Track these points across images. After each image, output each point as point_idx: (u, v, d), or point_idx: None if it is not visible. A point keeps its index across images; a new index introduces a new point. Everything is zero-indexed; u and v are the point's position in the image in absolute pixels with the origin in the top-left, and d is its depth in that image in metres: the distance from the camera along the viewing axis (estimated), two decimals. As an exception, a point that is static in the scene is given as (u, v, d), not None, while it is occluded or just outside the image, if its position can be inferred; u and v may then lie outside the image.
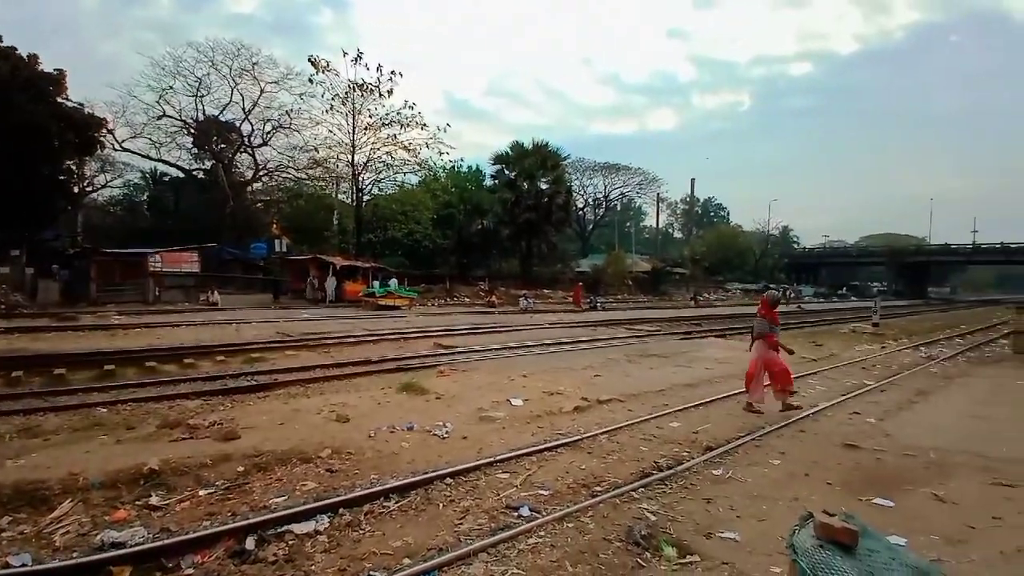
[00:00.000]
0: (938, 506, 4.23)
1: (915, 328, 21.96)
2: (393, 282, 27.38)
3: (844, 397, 8.11)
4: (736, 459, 5.22)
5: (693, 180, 60.87)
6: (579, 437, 5.67)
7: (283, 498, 4.16)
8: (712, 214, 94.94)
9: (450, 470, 4.60)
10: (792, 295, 46.64)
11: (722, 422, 6.54)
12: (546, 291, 38.97)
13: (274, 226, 31.25)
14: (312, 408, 6.72)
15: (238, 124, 36.23)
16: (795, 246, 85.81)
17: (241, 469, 4.71)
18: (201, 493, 4.25)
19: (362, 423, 6.10)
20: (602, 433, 5.88)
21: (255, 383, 8.20)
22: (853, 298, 57.18)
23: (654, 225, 72.74)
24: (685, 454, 5.30)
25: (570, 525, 3.71)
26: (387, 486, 4.29)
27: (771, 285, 53.20)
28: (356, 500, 4.03)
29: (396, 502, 4.07)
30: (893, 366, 11.50)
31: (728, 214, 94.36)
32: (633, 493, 4.26)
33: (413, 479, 4.43)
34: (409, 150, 33.87)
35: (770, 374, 7.25)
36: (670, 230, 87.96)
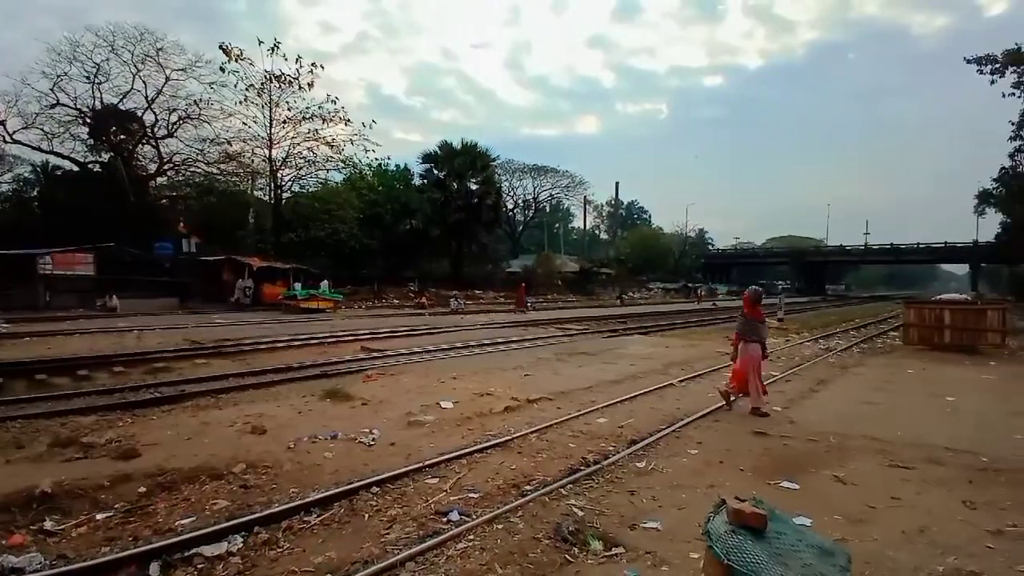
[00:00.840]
0: (840, 487, 4.56)
1: (815, 322, 24.01)
2: (324, 284, 26.37)
3: (754, 388, 8.67)
4: (658, 451, 5.43)
5: (617, 183, 63.30)
6: (509, 437, 5.67)
7: (191, 519, 3.84)
8: (636, 216, 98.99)
9: (376, 478, 4.44)
10: (703, 292, 49.70)
11: (645, 416, 6.79)
12: (477, 292, 38.97)
13: (181, 224, 28.93)
14: (225, 420, 6.28)
15: (140, 113, 33.33)
16: (710, 247, 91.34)
17: (143, 490, 4.30)
18: (99, 517, 3.85)
19: (281, 434, 5.77)
20: (532, 432, 5.92)
21: (158, 395, 7.55)
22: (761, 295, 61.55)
23: (582, 227, 74.96)
24: (611, 449, 5.44)
25: (500, 526, 3.68)
26: (308, 499, 4.06)
27: (690, 284, 56.35)
28: (273, 516, 3.78)
29: (318, 516, 3.87)
30: (796, 358, 12.47)
31: (650, 216, 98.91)
32: (562, 490, 4.31)
33: (336, 490, 4.23)
34: (332, 146, 32.69)
35: (733, 372, 7.35)
36: (597, 231, 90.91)
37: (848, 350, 14.27)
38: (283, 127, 31.82)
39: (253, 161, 33.51)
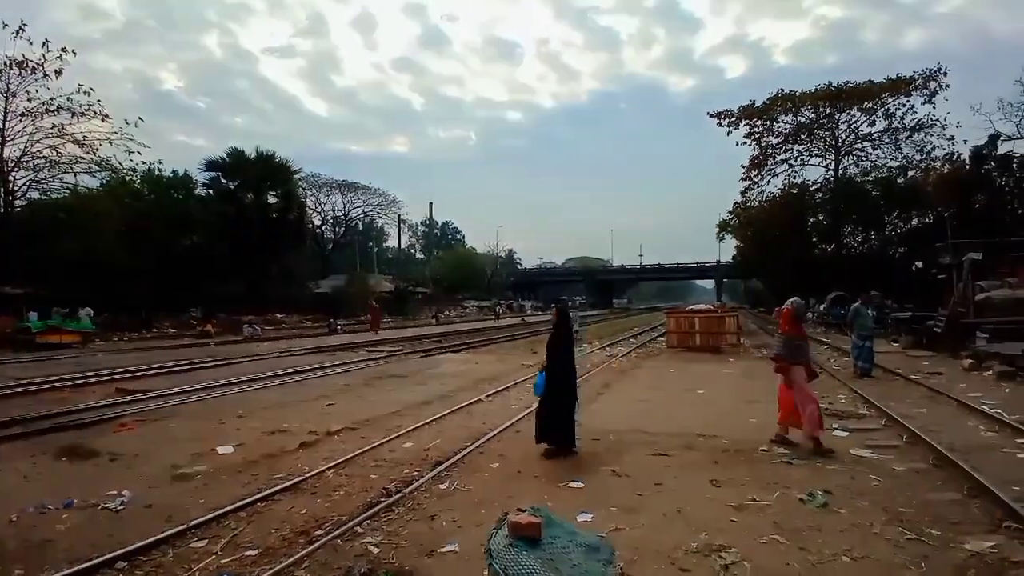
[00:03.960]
0: (617, 480, 5.09)
1: (603, 332, 27.24)
2: (85, 313, 21.41)
3: (552, 396, 9.37)
4: (461, 469, 5.46)
5: (431, 204, 64.06)
6: (301, 478, 5.14)
7: None
8: (450, 237, 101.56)
9: (123, 551, 3.60)
10: (500, 310, 52.87)
11: (452, 435, 6.81)
12: (279, 316, 35.54)
13: None
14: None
15: None
16: (519, 267, 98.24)
17: None
18: None
19: (-3, 506, 4.39)
20: (329, 468, 5.46)
21: None
22: (562, 310, 67.84)
23: (396, 246, 73.94)
24: (415, 474, 5.30)
25: (280, 584, 3.26)
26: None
27: (501, 301, 59.43)
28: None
29: (30, 615, 2.97)
30: (587, 365, 13.91)
31: (464, 237, 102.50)
32: (357, 528, 4.02)
33: (70, 570, 3.34)
34: (83, 145, 26.81)
35: (780, 403, 6.29)
36: (412, 251, 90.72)
37: (627, 355, 16.43)
38: (20, 120, 25.27)
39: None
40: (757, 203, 39.20)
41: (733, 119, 36.66)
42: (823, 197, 37.27)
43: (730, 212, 42.82)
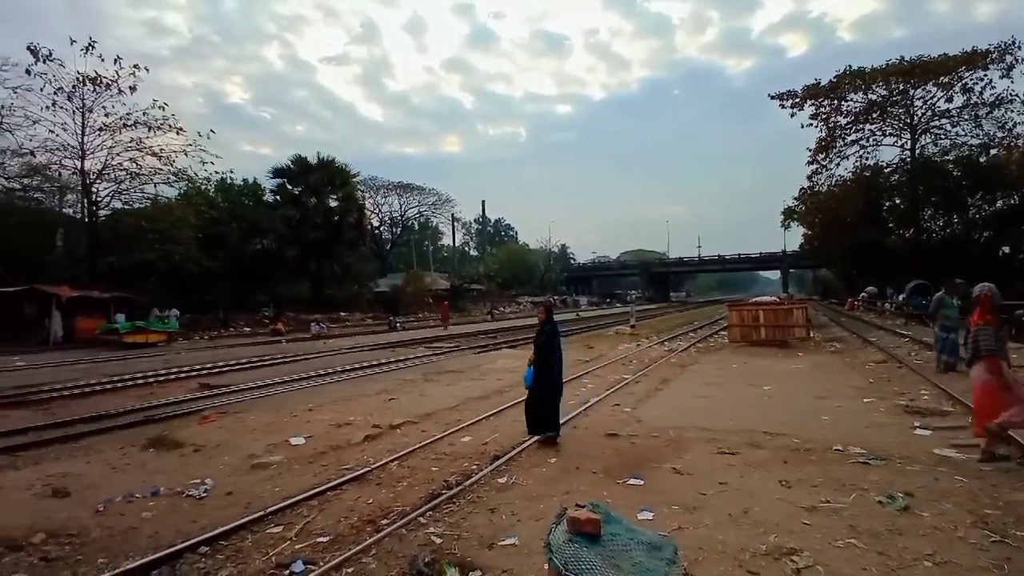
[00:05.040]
0: (678, 478, 4.97)
1: (662, 326, 26.61)
2: (174, 313, 23.27)
3: (608, 392, 9.29)
4: (519, 463, 5.50)
5: (484, 201, 65.09)
6: (367, 469, 5.35)
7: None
8: (503, 233, 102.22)
9: (205, 536, 3.88)
10: (557, 302, 51.64)
11: (509, 430, 6.86)
12: (343, 314, 37.01)
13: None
14: (21, 483, 5.20)
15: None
16: (572, 261, 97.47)
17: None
18: None
19: (88, 495, 4.84)
20: (393, 460, 5.65)
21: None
22: (617, 304, 66.99)
23: (451, 244, 75.31)
24: (474, 468, 5.40)
25: (350, 570, 3.41)
26: (118, 570, 3.42)
27: (554, 297, 59.26)
28: (68, 599, 3.11)
29: (127, 591, 3.26)
30: (645, 360, 13.65)
31: (516, 233, 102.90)
32: (420, 519, 4.14)
33: (154, 556, 3.62)
34: (161, 157, 28.84)
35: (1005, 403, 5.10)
36: (466, 248, 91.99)
37: (687, 350, 15.97)
38: (99, 135, 27.49)
39: (61, 174, 28.42)
40: (826, 187, 37.00)
41: (797, 100, 34.72)
42: (899, 179, 34.76)
43: (796, 198, 40.73)
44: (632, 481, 4.87)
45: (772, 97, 35.67)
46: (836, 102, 34.54)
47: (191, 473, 5.41)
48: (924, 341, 14.18)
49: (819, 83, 34.17)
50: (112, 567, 3.51)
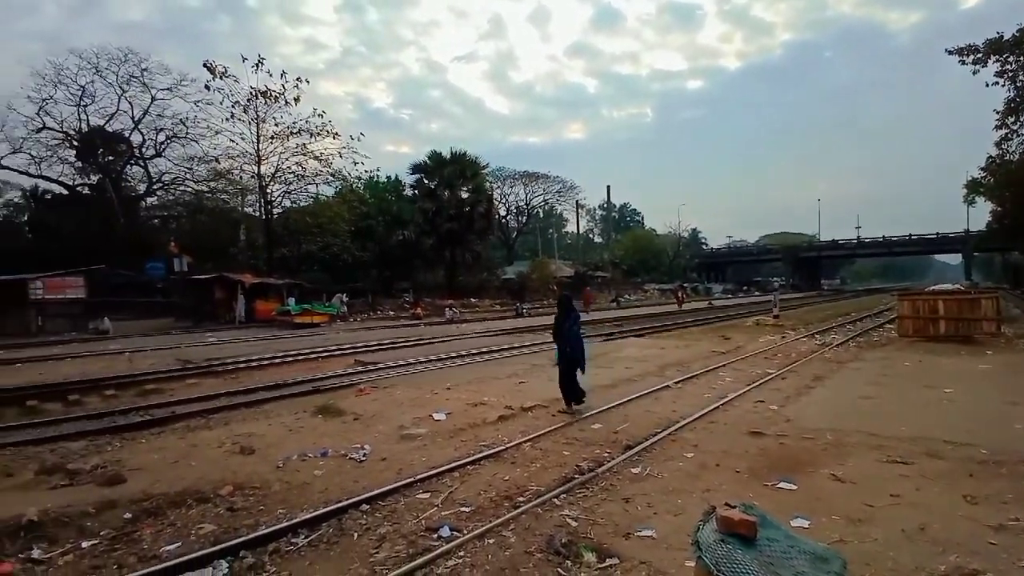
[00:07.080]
0: (838, 486, 4.48)
1: (811, 318, 24.02)
2: (338, 298, 26.52)
3: (749, 387, 8.63)
4: (653, 455, 5.36)
5: (608, 187, 63.81)
6: (503, 447, 5.59)
7: (176, 545, 3.74)
8: (628, 219, 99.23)
9: (366, 496, 4.35)
10: (683, 294, 44.30)
11: (641, 419, 6.71)
12: (473, 300, 38.86)
13: (172, 244, 28.74)
14: (213, 441, 6.19)
15: (127, 134, 33.27)
16: (704, 246, 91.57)
17: (128, 516, 4.20)
18: (84, 545, 3.75)
19: (269, 453, 5.67)
20: (526, 441, 5.83)
21: (149, 418, 7.43)
22: (756, 293, 61.72)
23: (575, 231, 75.06)
24: (606, 455, 5.37)
25: (491, 541, 3.60)
26: (295, 520, 3.97)
27: (685, 284, 56.39)
28: (259, 539, 3.68)
29: (306, 537, 3.77)
30: (792, 354, 12.43)
31: (643, 218, 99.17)
32: (555, 500, 4.23)
33: (325, 509, 4.14)
34: (321, 160, 32.59)
35: None
36: (591, 235, 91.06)
37: (844, 344, 14.24)
38: (271, 143, 31.77)
39: (242, 178, 33.44)
40: (1019, 155, 30.32)
41: (979, 55, 28.76)
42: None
43: (982, 168, 33.88)
44: (782, 484, 4.49)
45: (950, 52, 29.92)
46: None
47: (352, 439, 6.08)
48: None
49: (1002, 37, 28.02)
50: (289, 518, 4.06)
